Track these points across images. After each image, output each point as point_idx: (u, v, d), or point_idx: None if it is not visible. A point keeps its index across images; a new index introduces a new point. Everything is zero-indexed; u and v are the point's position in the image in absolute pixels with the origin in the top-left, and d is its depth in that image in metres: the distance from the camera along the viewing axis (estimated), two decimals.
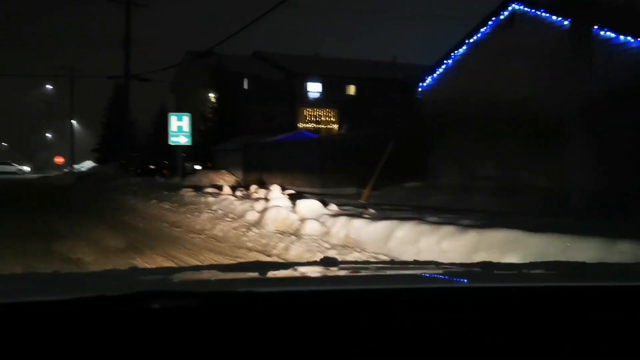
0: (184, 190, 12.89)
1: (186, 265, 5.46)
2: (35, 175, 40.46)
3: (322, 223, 7.26)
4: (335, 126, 38.02)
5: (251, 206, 9.15)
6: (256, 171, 22.11)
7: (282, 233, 7.53)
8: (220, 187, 13.05)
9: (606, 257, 4.03)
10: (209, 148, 28.14)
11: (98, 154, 43.15)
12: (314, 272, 1.82)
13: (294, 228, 7.63)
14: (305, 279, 1.61)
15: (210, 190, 12.61)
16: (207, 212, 9.78)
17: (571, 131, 8.39)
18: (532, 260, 3.46)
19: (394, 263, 3.41)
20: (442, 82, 14.49)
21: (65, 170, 39.81)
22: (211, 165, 25.44)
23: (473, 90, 12.58)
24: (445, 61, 14.39)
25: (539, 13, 12.12)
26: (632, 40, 10.58)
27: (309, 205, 8.09)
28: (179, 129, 14.98)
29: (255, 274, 1.68)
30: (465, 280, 1.49)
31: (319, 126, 37.34)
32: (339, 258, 3.54)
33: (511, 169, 11.68)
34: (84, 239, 7.51)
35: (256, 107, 36.06)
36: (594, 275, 1.66)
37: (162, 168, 24.58)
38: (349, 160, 15.79)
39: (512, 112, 11.46)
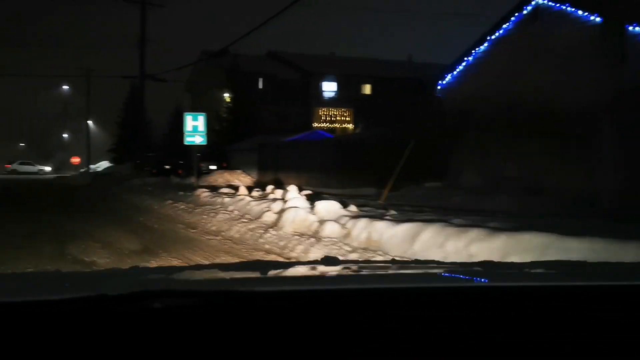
0: (200, 190, 12.75)
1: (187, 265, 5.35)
2: (52, 176, 40.72)
3: (342, 225, 7.01)
4: (351, 126, 37.76)
5: (268, 207, 8.94)
6: (271, 171, 21.93)
7: (301, 235, 7.30)
8: (236, 188, 12.87)
9: None
10: (224, 148, 28.05)
11: (114, 154, 43.31)
12: (314, 271, 1.81)
13: (312, 230, 7.40)
14: (305, 278, 1.61)
15: (225, 190, 12.45)
16: (223, 213, 9.59)
17: (601, 130, 8.05)
18: None
19: (395, 262, 3.34)
20: (463, 79, 14.14)
21: (82, 170, 40.01)
22: (226, 165, 25.32)
23: (495, 88, 12.24)
24: (465, 58, 14.03)
25: (563, 8, 11.73)
26: None
27: (328, 206, 7.85)
28: (195, 128, 14.89)
29: (256, 273, 1.68)
30: (466, 280, 1.48)
31: (334, 126, 37.11)
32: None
33: (534, 169, 11.32)
34: (98, 240, 7.35)
35: (271, 106, 35.96)
36: (594, 274, 1.65)
37: (177, 168, 24.54)
38: (367, 160, 15.51)
39: (536, 110, 11.11)
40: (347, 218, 7.20)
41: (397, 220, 6.71)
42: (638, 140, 8.37)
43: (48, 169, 55.21)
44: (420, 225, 6.09)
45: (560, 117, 10.61)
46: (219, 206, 10.46)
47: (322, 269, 1.77)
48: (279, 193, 10.60)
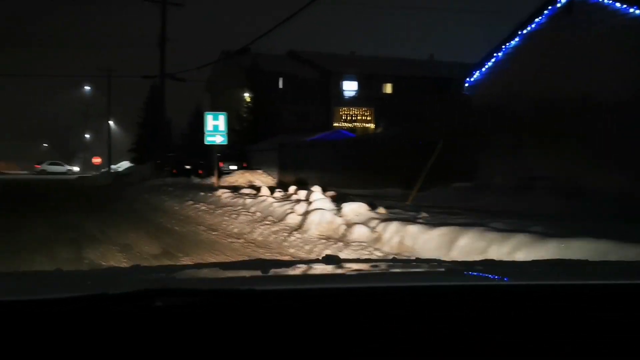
0: (220, 190, 12.46)
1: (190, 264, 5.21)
2: (74, 176, 40.99)
3: (372, 228, 6.61)
4: (371, 125, 37.32)
5: (291, 208, 8.58)
6: (292, 171, 21.58)
7: (327, 239, 6.93)
8: (257, 188, 12.55)
9: None
10: (244, 148, 27.85)
11: (134, 154, 43.41)
12: (315, 270, 1.81)
13: (339, 233, 7.02)
14: (306, 277, 1.61)
15: (247, 191, 12.13)
16: (245, 215, 9.27)
17: None
18: None
19: (396, 261, 3.22)
20: (492, 76, 13.60)
21: (103, 170, 40.21)
22: (246, 165, 25.07)
23: (527, 83, 11.71)
24: (495, 54, 13.49)
25: (600, 0, 11.16)
26: None
27: (356, 208, 7.46)
28: (215, 128, 14.64)
29: (257, 272, 1.67)
30: (467, 279, 1.46)
31: (355, 125, 36.70)
32: None
33: (570, 168, 10.77)
34: (117, 243, 7.07)
35: (290, 106, 35.71)
36: (594, 273, 1.64)
37: (197, 168, 24.36)
38: (391, 159, 15.05)
39: (571, 107, 10.56)
40: (377, 221, 6.80)
41: (431, 223, 6.29)
42: None
43: (77, 169, 56.18)
44: (457, 229, 5.67)
45: (597, 113, 10.06)
46: (240, 207, 10.14)
47: (322, 267, 1.77)
48: (302, 194, 10.22)
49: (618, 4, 10.81)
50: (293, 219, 8.06)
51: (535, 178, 11.30)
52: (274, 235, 7.56)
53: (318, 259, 2.10)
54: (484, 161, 12.75)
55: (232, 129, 23.31)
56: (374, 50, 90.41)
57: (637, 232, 4.86)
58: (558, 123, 10.77)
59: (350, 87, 38.71)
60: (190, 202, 12.00)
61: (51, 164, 52.76)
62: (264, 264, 2.14)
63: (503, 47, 13.32)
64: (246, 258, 6.30)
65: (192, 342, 0.94)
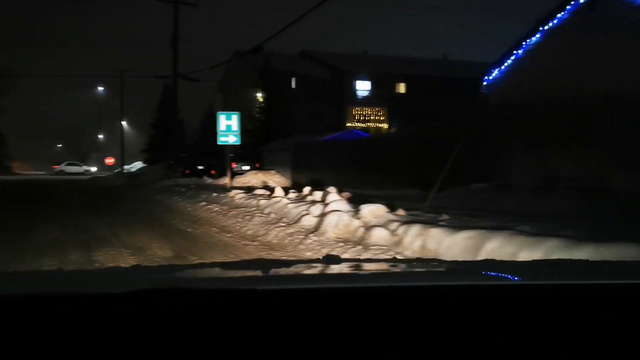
0: (234, 191, 12.27)
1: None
2: (87, 177, 41.13)
3: (392, 231, 6.34)
4: (385, 125, 37.01)
5: (307, 210, 8.33)
6: (306, 171, 21.33)
7: (345, 242, 6.68)
8: (271, 189, 12.32)
9: None
10: (256, 148, 27.68)
11: (147, 155, 43.46)
12: (316, 269, 1.80)
13: (357, 236, 6.77)
14: (307, 277, 1.61)
15: (260, 191, 11.91)
16: (259, 216, 9.04)
17: None
18: None
19: (396, 260, 3.24)
20: (512, 74, 13.26)
21: (116, 171, 40.29)
22: (259, 165, 24.90)
23: (548, 81, 11.35)
24: (515, 51, 13.15)
25: None
26: None
27: (375, 210, 7.20)
28: (228, 128, 14.46)
29: (257, 272, 1.68)
30: (467, 279, 1.44)
31: (368, 125, 36.40)
32: None
33: (594, 169, 10.40)
34: (128, 246, 6.88)
35: (303, 106, 35.51)
36: (595, 273, 1.62)
37: (210, 168, 24.25)
38: (407, 159, 14.74)
39: (595, 105, 10.20)
40: (397, 223, 6.53)
41: (454, 226, 6.01)
42: None
43: (94, 169, 56.63)
44: (483, 232, 5.39)
45: (622, 111, 9.70)
46: (254, 208, 9.92)
47: (323, 267, 1.76)
48: (317, 195, 9.96)
49: None
50: (309, 221, 7.82)
51: (557, 179, 10.94)
52: (290, 238, 7.32)
53: (319, 258, 2.05)
54: (502, 161, 12.40)
55: (244, 129, 23.06)
56: (387, 49, 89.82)
57: None
58: (581, 121, 10.41)
59: (363, 87, 38.43)
60: (203, 203, 11.82)
61: (69, 164, 53.25)
62: (265, 264, 2.14)
63: (523, 44, 12.98)
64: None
65: (194, 342, 0.94)
